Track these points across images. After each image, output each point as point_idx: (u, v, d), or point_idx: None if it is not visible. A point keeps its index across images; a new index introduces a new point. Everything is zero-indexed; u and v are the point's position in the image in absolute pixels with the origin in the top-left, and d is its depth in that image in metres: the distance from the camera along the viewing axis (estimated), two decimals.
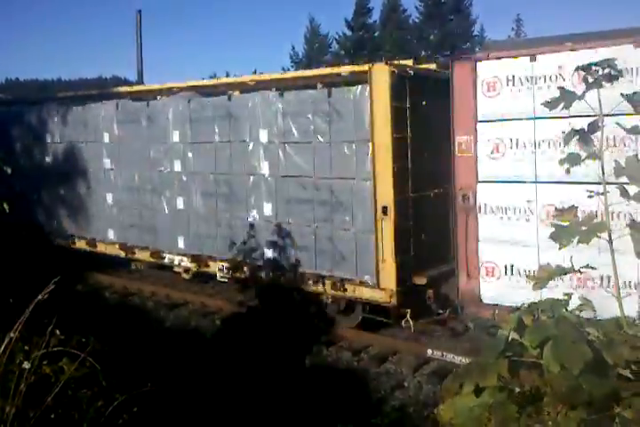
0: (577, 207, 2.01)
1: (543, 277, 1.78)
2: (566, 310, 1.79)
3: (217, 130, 8.98)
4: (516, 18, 54.93)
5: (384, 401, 6.51)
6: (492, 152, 6.71)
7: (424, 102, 7.60)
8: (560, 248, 1.81)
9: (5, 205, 7.02)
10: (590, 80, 2.13)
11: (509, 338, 1.73)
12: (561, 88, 1.96)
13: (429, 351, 7.40)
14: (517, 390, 1.76)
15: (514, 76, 6.59)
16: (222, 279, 9.28)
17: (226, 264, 9.07)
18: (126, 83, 64.32)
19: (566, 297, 1.79)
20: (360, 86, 7.39)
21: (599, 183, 1.95)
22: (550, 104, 1.94)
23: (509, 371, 1.68)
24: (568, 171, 2.15)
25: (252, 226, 8.69)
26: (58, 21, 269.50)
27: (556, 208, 1.91)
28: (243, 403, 6.11)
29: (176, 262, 9.84)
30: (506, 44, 10.72)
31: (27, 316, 3.44)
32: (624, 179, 1.92)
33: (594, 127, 2.10)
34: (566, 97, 1.95)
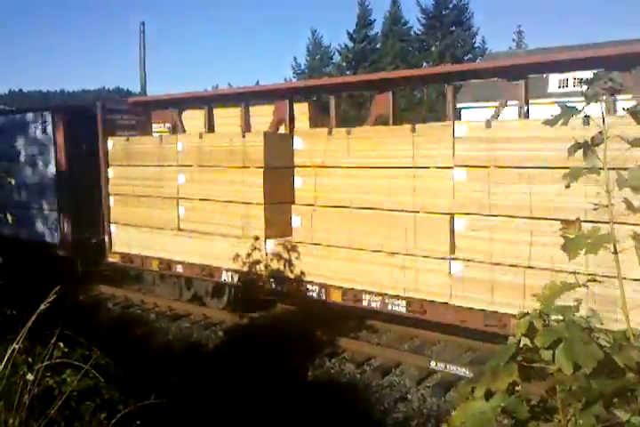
0: (580, 220, 2.01)
1: (550, 293, 1.79)
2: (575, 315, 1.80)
3: None
4: (517, 30, 55.33)
5: (387, 414, 6.47)
6: None
7: None
8: (570, 259, 1.82)
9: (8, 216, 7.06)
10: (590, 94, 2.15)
11: (520, 343, 1.75)
12: (562, 105, 1.98)
13: (433, 363, 7.37)
14: (528, 394, 1.78)
15: None
16: None
17: None
18: (129, 94, 64.77)
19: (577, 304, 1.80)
20: None
21: None
22: (550, 121, 1.96)
23: (520, 375, 1.70)
24: (568, 186, 2.16)
25: None
26: (61, 33, 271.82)
27: (562, 221, 1.93)
28: (245, 416, 6.08)
29: None
30: (507, 55, 10.81)
31: (29, 327, 3.45)
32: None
33: (597, 140, 2.11)
34: (566, 113, 1.96)
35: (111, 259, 10.83)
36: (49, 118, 11.69)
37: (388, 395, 6.89)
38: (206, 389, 6.73)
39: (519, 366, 1.72)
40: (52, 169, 11.73)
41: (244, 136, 8.53)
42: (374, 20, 50.62)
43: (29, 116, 12.29)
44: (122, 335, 8.27)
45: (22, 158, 12.50)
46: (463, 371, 7.04)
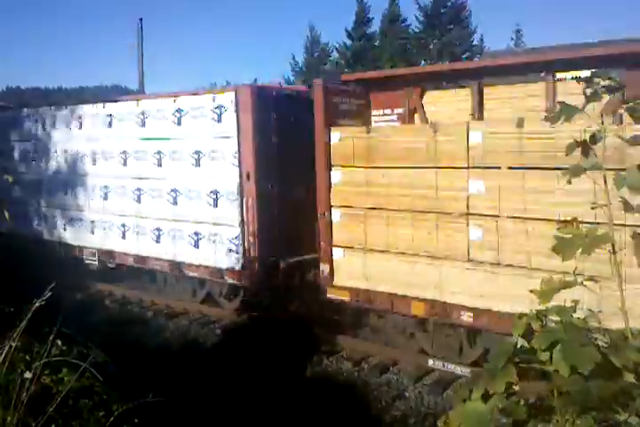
0: (579, 219, 2.02)
1: (547, 290, 1.79)
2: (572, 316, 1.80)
3: None
4: (515, 28, 55.28)
5: (385, 412, 6.48)
6: None
7: None
8: (563, 261, 1.81)
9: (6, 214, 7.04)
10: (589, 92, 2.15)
11: (518, 344, 1.75)
12: (561, 102, 1.98)
13: (430, 362, 7.37)
14: (526, 394, 1.78)
15: None
16: None
17: None
18: (127, 91, 64.65)
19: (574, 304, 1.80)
20: None
21: None
22: (551, 118, 1.96)
23: (518, 376, 1.70)
24: (569, 182, 2.15)
25: None
26: (58, 30, 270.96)
27: (558, 220, 1.93)
28: (244, 414, 6.08)
29: None
30: (505, 53, 10.69)
31: (25, 324, 3.44)
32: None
33: (595, 139, 2.11)
34: (567, 110, 1.96)
35: (334, 295, 7.79)
36: (229, 102, 8.62)
37: (386, 393, 6.90)
38: (204, 386, 6.73)
39: (517, 366, 1.72)
40: (230, 169, 8.68)
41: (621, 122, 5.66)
42: (372, 18, 50.52)
43: (187, 100, 9.25)
44: (120, 333, 8.28)
45: (169, 156, 9.53)
46: (461, 370, 7.04)
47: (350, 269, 7.61)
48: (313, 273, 8.65)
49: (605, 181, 2.02)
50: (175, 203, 9.49)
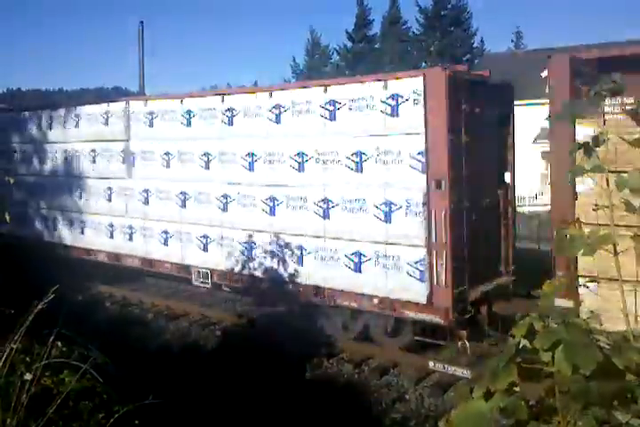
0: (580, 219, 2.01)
1: (548, 290, 1.79)
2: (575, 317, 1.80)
3: None
4: (515, 30, 55.40)
5: (385, 414, 6.46)
6: None
7: None
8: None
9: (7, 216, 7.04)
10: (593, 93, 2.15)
11: (520, 344, 1.75)
12: (565, 101, 1.98)
13: (431, 364, 7.35)
14: (526, 395, 1.78)
15: None
16: None
17: None
18: (127, 93, 64.80)
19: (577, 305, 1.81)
20: None
21: None
22: (559, 115, 1.96)
23: (519, 376, 1.71)
24: (572, 182, 2.15)
25: None
26: (59, 32, 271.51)
27: (559, 221, 1.92)
28: (244, 416, 6.07)
29: None
30: (505, 55, 10.62)
31: (27, 326, 3.43)
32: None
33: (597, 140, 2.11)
34: (575, 108, 1.96)
35: None
36: (409, 90, 6.91)
37: (386, 395, 6.89)
38: (204, 388, 6.72)
39: (518, 367, 1.72)
40: (410, 175, 6.96)
41: None
42: (373, 20, 50.67)
43: (345, 89, 7.53)
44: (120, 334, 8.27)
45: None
46: (461, 372, 7.02)
47: (607, 308, 5.74)
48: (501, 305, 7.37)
49: (608, 183, 2.01)
50: (326, 216, 7.75)
